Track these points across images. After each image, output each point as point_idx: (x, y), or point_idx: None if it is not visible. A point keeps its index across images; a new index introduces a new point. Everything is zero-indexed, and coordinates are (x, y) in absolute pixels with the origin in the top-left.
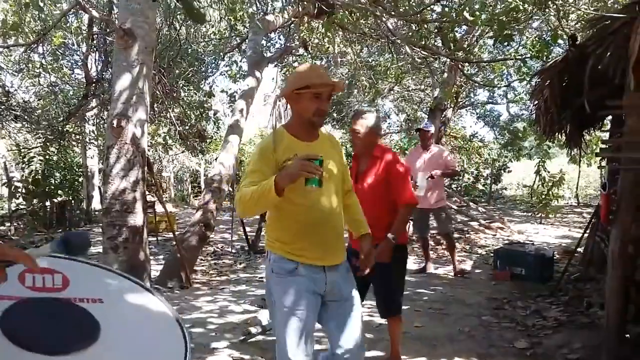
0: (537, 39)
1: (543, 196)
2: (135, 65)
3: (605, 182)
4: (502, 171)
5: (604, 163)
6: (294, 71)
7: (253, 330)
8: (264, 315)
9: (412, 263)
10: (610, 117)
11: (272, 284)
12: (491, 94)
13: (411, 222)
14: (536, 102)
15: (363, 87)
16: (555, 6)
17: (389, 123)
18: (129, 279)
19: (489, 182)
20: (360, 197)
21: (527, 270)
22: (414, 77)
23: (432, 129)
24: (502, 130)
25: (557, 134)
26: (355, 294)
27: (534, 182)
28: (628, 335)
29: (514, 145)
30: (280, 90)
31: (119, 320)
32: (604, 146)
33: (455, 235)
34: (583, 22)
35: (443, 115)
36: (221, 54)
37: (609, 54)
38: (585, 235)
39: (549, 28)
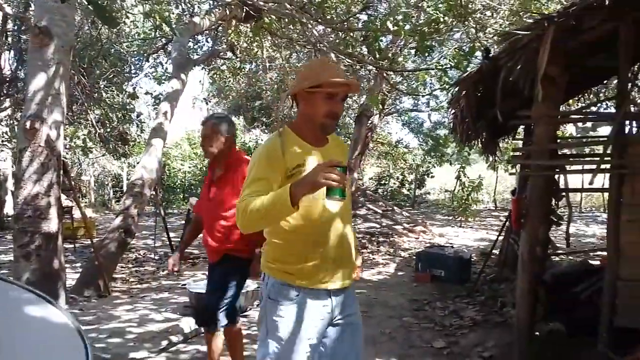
0: (456, 50)
1: (463, 201)
2: (51, 64)
3: (515, 188)
4: (426, 176)
5: (515, 170)
6: (305, 66)
7: (174, 338)
8: (185, 323)
9: None
10: (523, 126)
11: (268, 313)
12: (415, 102)
13: None
14: (454, 111)
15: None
16: (473, 20)
17: None
18: (27, 290)
19: (413, 187)
20: (215, 208)
21: (447, 272)
22: None
23: None
24: (426, 137)
25: (473, 141)
26: (359, 314)
27: (455, 187)
28: (537, 333)
29: (436, 151)
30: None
31: (14, 333)
32: (515, 154)
33: (381, 239)
34: (498, 35)
35: (370, 122)
36: (146, 55)
37: (519, 67)
38: (501, 237)
39: (469, 40)
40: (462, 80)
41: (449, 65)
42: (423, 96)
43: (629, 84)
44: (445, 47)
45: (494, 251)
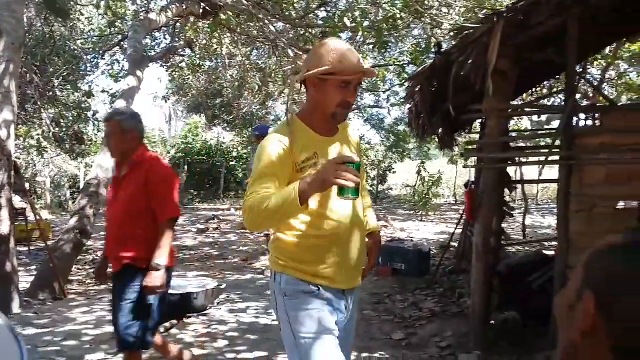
0: (414, 46)
1: (424, 195)
2: (0, 62)
3: (468, 180)
4: (388, 172)
5: (469, 163)
6: (317, 48)
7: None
8: None
9: None
10: (480, 120)
11: (288, 308)
12: (377, 98)
13: None
14: (409, 106)
15: (252, 90)
16: (429, 16)
17: None
18: None
19: (376, 183)
20: (119, 210)
21: (407, 265)
22: None
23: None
24: (388, 133)
25: (431, 136)
26: (355, 315)
27: (416, 182)
28: (493, 322)
29: (398, 147)
30: (298, 71)
31: None
32: (468, 147)
33: None
34: (451, 31)
35: None
36: (101, 52)
37: (470, 61)
38: (459, 230)
39: (428, 36)
40: (415, 75)
41: (406, 61)
42: (383, 92)
43: (577, 78)
44: (403, 43)
45: (452, 244)
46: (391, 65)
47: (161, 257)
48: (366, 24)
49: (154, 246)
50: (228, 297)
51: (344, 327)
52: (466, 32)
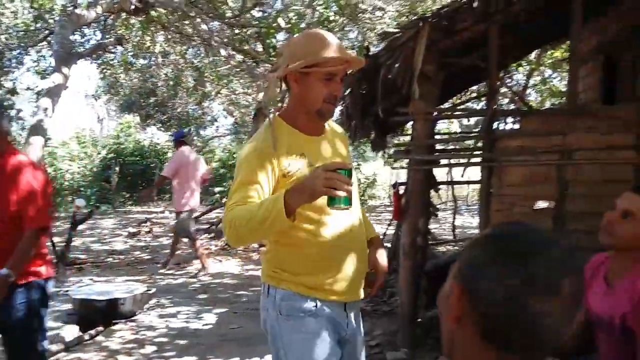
0: (349, 48)
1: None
2: None
3: (396, 181)
4: None
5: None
6: (295, 40)
7: (54, 347)
8: (67, 332)
9: (234, 265)
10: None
11: (282, 330)
12: None
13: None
14: (340, 108)
15: (188, 89)
16: (363, 20)
17: (217, 126)
18: None
19: None
20: None
21: None
22: (241, 80)
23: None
24: None
25: (363, 138)
26: (362, 328)
27: None
28: (420, 320)
29: None
30: (277, 66)
31: None
32: (396, 149)
33: None
34: (379, 34)
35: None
36: (26, 47)
37: (397, 65)
38: (391, 231)
39: (362, 38)
40: (346, 77)
41: None
42: None
43: (498, 82)
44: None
45: (385, 244)
46: None
47: (10, 266)
48: (302, 25)
49: (35, 258)
50: (158, 301)
51: (349, 347)
52: (393, 36)
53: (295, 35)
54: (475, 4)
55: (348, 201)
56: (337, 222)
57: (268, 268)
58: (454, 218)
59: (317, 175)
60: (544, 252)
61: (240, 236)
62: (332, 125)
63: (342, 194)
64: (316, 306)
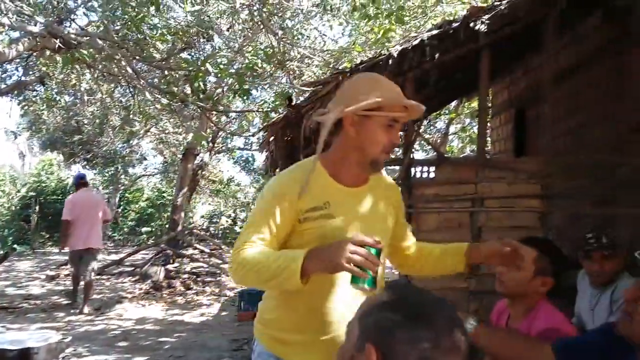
0: (277, 93)
1: None
2: None
3: None
4: None
5: None
6: (355, 81)
7: None
8: None
9: (158, 310)
10: None
11: None
12: (247, 140)
13: None
14: (265, 154)
15: (115, 128)
16: (290, 68)
17: (146, 165)
18: None
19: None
20: None
21: None
22: (171, 119)
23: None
24: (257, 175)
25: None
26: None
27: None
28: None
29: None
30: (335, 106)
31: None
32: None
33: (207, 279)
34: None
35: (200, 160)
36: None
37: None
38: None
39: (290, 85)
40: (269, 124)
41: (269, 108)
42: (249, 136)
43: (414, 133)
44: (269, 90)
45: None
46: (254, 111)
47: None
48: (232, 70)
49: None
50: (75, 350)
51: None
52: (315, 87)
53: (352, 78)
54: (390, 61)
55: (373, 283)
56: (334, 290)
57: (259, 316)
58: None
59: (341, 246)
60: (443, 313)
61: (246, 280)
62: (383, 176)
63: (366, 275)
64: None
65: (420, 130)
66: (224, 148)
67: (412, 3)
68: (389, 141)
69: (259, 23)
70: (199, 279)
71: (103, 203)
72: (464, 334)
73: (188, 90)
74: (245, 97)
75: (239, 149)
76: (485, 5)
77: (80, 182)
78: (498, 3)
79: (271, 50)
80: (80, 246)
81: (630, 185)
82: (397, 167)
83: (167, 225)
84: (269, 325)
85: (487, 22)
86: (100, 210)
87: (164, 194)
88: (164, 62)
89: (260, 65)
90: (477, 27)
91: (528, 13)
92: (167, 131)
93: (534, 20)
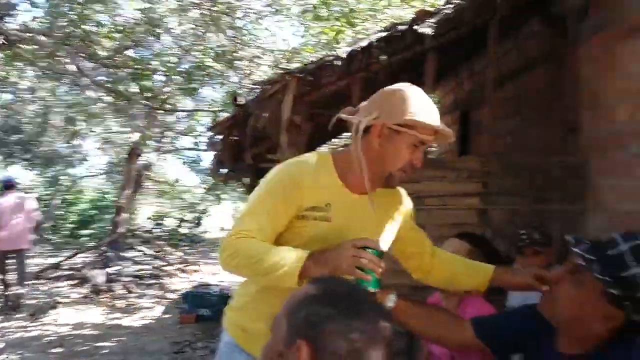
0: (226, 93)
1: None
2: None
3: None
4: (203, 215)
5: None
6: (395, 93)
7: None
8: None
9: (97, 315)
10: None
11: None
12: (196, 141)
13: None
14: (213, 153)
15: (57, 127)
16: (239, 68)
17: (89, 165)
18: None
19: (192, 225)
20: None
21: (212, 310)
22: (117, 118)
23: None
24: (206, 175)
25: (236, 182)
26: None
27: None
28: None
29: (215, 190)
30: (368, 110)
31: None
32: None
33: (150, 281)
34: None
35: (145, 160)
36: None
37: (266, 115)
38: None
39: (240, 85)
40: (217, 124)
41: (219, 107)
42: (196, 136)
43: None
44: (218, 89)
45: None
46: (204, 110)
47: None
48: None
49: None
50: (7, 357)
51: None
52: (263, 86)
53: (392, 87)
54: (339, 62)
55: (377, 284)
56: None
57: (230, 303)
58: None
59: (343, 249)
60: (370, 303)
61: (238, 270)
62: (396, 192)
63: (368, 277)
64: None
65: None
66: (171, 148)
67: (363, 6)
68: (411, 161)
69: (209, 22)
70: (141, 281)
71: (31, 205)
72: (389, 320)
73: (134, 89)
74: (193, 95)
75: (188, 149)
76: (432, 9)
77: (9, 185)
78: (444, 7)
79: (221, 50)
80: (4, 247)
81: (562, 183)
82: None
83: (109, 228)
84: (238, 311)
85: (433, 25)
86: (29, 213)
87: (107, 196)
88: (110, 60)
89: (209, 64)
90: (423, 30)
91: (472, 17)
92: (112, 130)
93: (479, 24)
